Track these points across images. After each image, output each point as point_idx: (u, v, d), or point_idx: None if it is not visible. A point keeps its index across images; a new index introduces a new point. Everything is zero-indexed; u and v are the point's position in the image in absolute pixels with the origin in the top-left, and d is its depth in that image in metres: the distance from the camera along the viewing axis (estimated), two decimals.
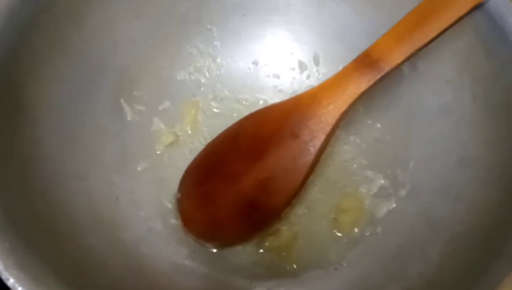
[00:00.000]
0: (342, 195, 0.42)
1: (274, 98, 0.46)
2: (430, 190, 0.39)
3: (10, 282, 0.26)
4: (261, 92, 0.46)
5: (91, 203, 0.37)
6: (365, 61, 0.37)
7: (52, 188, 0.34)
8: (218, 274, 0.39)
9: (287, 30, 0.46)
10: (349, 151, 0.43)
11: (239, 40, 0.46)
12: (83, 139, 0.39)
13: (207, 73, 0.46)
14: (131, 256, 0.37)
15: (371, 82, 0.36)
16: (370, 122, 0.44)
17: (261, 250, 0.40)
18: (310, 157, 0.38)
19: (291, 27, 0.46)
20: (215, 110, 0.46)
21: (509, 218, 0.32)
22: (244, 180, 0.39)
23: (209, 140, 0.42)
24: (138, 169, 0.42)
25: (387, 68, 0.36)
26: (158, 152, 0.43)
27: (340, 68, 0.38)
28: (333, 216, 0.41)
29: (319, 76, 0.46)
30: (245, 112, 0.43)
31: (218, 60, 0.46)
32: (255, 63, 0.47)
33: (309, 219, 0.41)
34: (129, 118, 0.42)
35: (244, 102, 0.46)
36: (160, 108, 0.44)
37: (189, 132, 0.45)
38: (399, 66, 0.36)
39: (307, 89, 0.43)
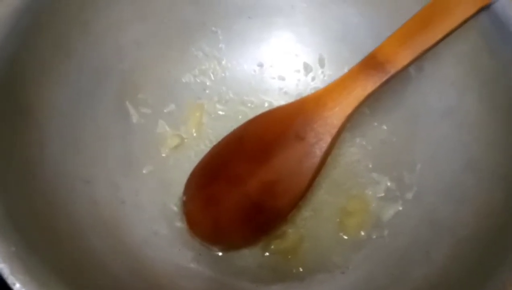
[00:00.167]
0: (348, 198, 0.42)
1: (279, 100, 0.46)
2: (435, 193, 0.38)
3: (16, 286, 0.26)
4: (266, 94, 0.46)
5: (95, 206, 0.37)
6: (371, 63, 0.37)
7: (55, 191, 0.34)
8: (223, 277, 0.39)
9: (291, 32, 0.46)
10: (355, 153, 0.43)
11: (244, 43, 0.46)
12: (87, 142, 0.38)
13: (212, 76, 0.46)
14: (136, 259, 0.37)
15: (377, 85, 0.36)
16: (376, 124, 0.43)
17: (267, 253, 0.40)
18: (316, 160, 0.38)
19: (295, 29, 0.46)
20: (220, 112, 0.46)
21: None
22: (249, 183, 0.39)
23: (214, 143, 0.42)
24: (143, 171, 0.42)
25: (393, 71, 0.36)
26: (163, 155, 0.43)
27: (345, 69, 0.38)
28: (339, 219, 0.41)
29: (324, 78, 0.46)
30: (250, 114, 0.43)
31: (223, 63, 0.46)
32: (260, 65, 0.47)
33: (315, 222, 0.41)
34: (134, 121, 0.42)
35: (249, 105, 0.46)
36: (165, 111, 0.44)
37: (194, 134, 0.44)
38: (405, 68, 0.36)
39: (312, 91, 0.43)
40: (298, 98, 0.42)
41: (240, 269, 0.39)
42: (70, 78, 0.38)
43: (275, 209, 0.39)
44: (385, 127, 0.43)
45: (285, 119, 0.39)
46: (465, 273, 0.32)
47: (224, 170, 0.40)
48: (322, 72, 0.46)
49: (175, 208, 0.41)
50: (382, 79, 0.36)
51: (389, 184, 0.41)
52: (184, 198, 0.40)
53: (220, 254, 0.40)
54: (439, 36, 0.35)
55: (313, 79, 0.46)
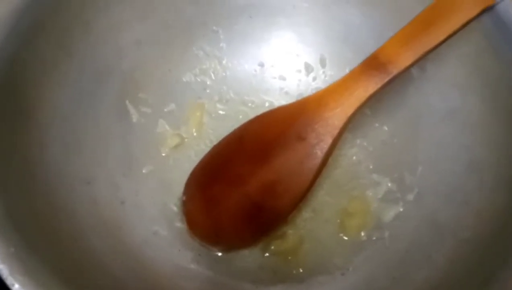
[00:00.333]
0: (349, 199, 0.42)
1: (280, 100, 0.46)
2: (436, 194, 0.38)
3: (15, 287, 0.26)
4: (267, 94, 0.46)
5: (95, 206, 0.37)
6: (372, 64, 0.36)
7: (56, 191, 0.34)
8: (223, 278, 0.38)
9: (293, 32, 0.46)
10: (356, 154, 0.43)
11: (245, 42, 0.46)
12: (88, 142, 0.38)
13: (212, 75, 0.46)
14: (136, 259, 0.36)
15: (379, 85, 0.36)
16: (377, 125, 0.43)
17: (267, 254, 0.40)
18: (317, 161, 0.37)
19: (297, 29, 0.46)
20: (220, 112, 0.45)
21: None
22: (250, 183, 0.39)
23: (214, 142, 0.42)
24: (143, 171, 0.42)
25: (395, 71, 0.36)
26: (164, 155, 0.43)
27: (347, 70, 0.38)
28: (339, 220, 0.41)
29: (326, 78, 0.46)
30: (251, 114, 0.43)
31: (224, 62, 0.46)
32: (261, 65, 0.47)
33: (315, 223, 0.41)
34: (134, 120, 0.42)
35: (249, 104, 0.46)
36: (165, 110, 0.44)
37: (195, 134, 0.44)
38: (407, 69, 0.36)
39: (313, 91, 0.43)
40: (299, 98, 0.43)
41: (240, 270, 0.39)
42: (71, 78, 0.38)
43: (275, 210, 0.39)
44: (386, 128, 0.43)
45: (286, 119, 0.39)
46: (466, 275, 0.32)
47: (225, 170, 0.40)
48: (323, 73, 0.46)
49: (175, 208, 0.41)
50: (384, 80, 0.36)
51: (390, 185, 0.41)
52: (184, 198, 0.40)
53: (220, 254, 0.40)
54: (442, 37, 0.35)
55: (314, 79, 0.46)
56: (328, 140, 0.37)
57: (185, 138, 0.44)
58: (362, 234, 0.40)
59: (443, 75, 0.39)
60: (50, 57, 0.36)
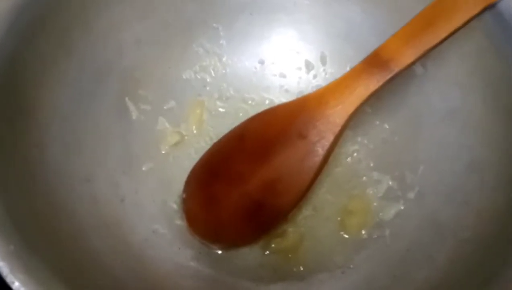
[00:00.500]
0: (349, 197, 0.42)
1: (280, 98, 0.46)
2: (437, 193, 0.38)
3: (15, 285, 0.26)
4: (267, 92, 0.46)
5: (95, 205, 0.37)
6: (374, 61, 0.36)
7: (56, 191, 0.34)
8: (223, 276, 0.38)
9: (294, 29, 0.46)
10: (356, 152, 0.43)
11: (246, 39, 0.46)
12: (88, 141, 0.38)
13: (212, 72, 0.46)
14: (136, 259, 0.36)
15: (380, 83, 0.36)
16: (378, 123, 0.43)
17: (267, 252, 0.40)
18: (318, 158, 0.37)
19: (298, 26, 0.46)
20: (220, 109, 0.45)
21: None
22: (250, 181, 0.39)
23: (214, 140, 0.42)
24: (143, 169, 0.42)
25: (396, 69, 0.36)
26: (163, 152, 0.43)
27: (347, 67, 0.38)
28: (340, 218, 0.41)
29: (326, 76, 0.46)
30: (251, 111, 0.42)
31: (224, 59, 0.46)
32: (261, 62, 0.46)
33: (315, 221, 0.41)
34: (134, 118, 0.42)
35: (250, 102, 0.46)
36: (165, 108, 0.44)
37: (195, 131, 0.44)
38: (408, 67, 0.36)
39: (314, 89, 0.43)
40: (299, 95, 0.42)
41: (240, 268, 0.39)
42: (70, 77, 0.37)
43: (276, 208, 0.39)
44: (387, 126, 0.43)
45: (287, 117, 0.39)
46: (466, 275, 0.32)
47: (225, 168, 0.40)
48: (324, 70, 0.46)
49: (175, 206, 0.41)
50: (385, 77, 0.36)
51: (390, 183, 0.41)
52: (184, 195, 0.40)
53: (220, 252, 0.40)
54: (443, 35, 0.35)
55: (314, 77, 0.46)
56: (330, 138, 0.37)
57: (185, 135, 0.44)
58: (363, 232, 0.40)
59: (444, 74, 0.39)
60: (50, 55, 0.36)
